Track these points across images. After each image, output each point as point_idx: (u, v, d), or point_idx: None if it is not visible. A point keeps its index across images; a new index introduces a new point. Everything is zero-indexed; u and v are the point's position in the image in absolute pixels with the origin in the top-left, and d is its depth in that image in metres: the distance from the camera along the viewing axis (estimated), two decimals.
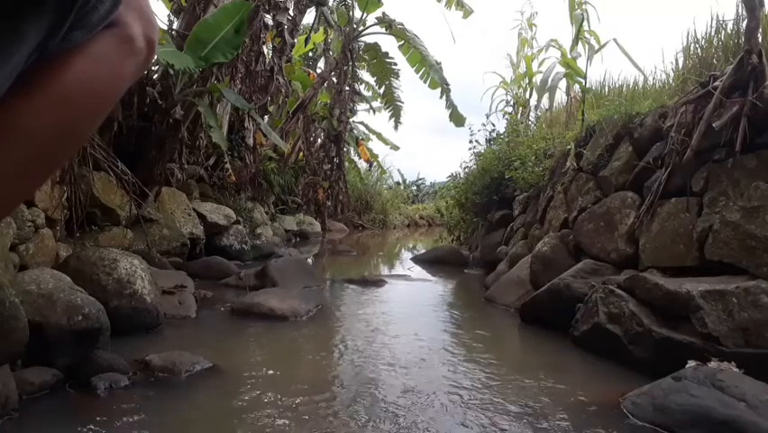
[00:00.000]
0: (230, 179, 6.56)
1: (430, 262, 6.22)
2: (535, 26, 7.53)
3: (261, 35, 5.65)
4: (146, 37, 0.55)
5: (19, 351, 1.68)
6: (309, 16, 8.70)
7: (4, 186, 0.47)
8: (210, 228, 5.35)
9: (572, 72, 5.11)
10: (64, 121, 0.49)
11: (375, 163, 14.81)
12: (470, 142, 7.04)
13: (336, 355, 2.35)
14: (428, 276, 5.29)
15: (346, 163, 11.56)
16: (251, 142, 6.83)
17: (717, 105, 2.39)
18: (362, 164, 14.49)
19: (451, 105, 9.44)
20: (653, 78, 4.00)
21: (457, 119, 9.49)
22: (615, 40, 4.57)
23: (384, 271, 5.89)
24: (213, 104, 5.30)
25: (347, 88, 9.56)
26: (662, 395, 1.62)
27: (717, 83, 2.46)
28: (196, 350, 2.11)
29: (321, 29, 9.46)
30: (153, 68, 4.57)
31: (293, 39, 6.61)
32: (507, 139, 6.12)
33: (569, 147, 3.88)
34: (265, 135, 7.36)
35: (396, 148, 14.76)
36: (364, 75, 11.13)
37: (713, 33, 3.22)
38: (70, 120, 0.50)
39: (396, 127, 11.08)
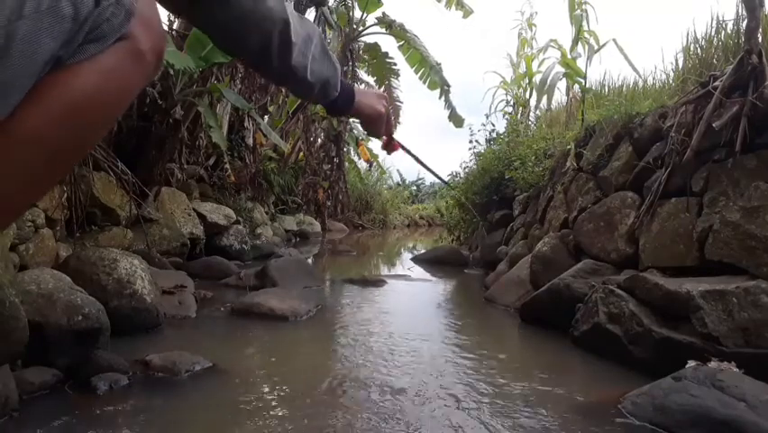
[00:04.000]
0: (230, 179, 6.56)
1: (430, 262, 6.22)
2: (535, 26, 7.52)
3: None
4: (155, 50, 0.55)
5: (19, 351, 1.68)
6: (309, 16, 8.70)
7: (16, 189, 0.48)
8: (210, 228, 5.36)
9: (572, 72, 5.10)
10: (74, 129, 0.50)
11: (375, 163, 14.81)
12: (470, 142, 7.05)
13: (336, 355, 2.35)
14: (428, 276, 5.29)
15: (346, 163, 11.57)
16: (251, 142, 6.83)
17: (717, 105, 2.39)
18: (362, 164, 14.50)
19: (450, 106, 9.44)
20: (653, 78, 4.00)
21: (456, 120, 9.49)
22: (614, 40, 4.57)
23: (384, 271, 5.89)
24: (213, 104, 5.30)
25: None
26: (662, 395, 1.62)
27: (717, 83, 2.46)
28: (196, 350, 2.11)
29: (320, 29, 9.46)
30: None
31: None
32: (507, 139, 6.12)
33: (569, 147, 3.88)
34: (265, 135, 7.36)
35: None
36: (364, 75, 11.13)
37: (713, 33, 3.22)
38: (80, 129, 0.50)
39: (395, 127, 11.08)
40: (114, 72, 0.51)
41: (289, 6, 0.78)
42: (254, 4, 0.70)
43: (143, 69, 0.55)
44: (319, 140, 10.77)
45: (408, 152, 1.24)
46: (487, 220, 5.91)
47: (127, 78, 0.53)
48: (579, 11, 5.04)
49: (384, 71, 9.95)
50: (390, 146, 1.17)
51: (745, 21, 2.52)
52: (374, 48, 9.61)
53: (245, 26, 0.71)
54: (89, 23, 0.47)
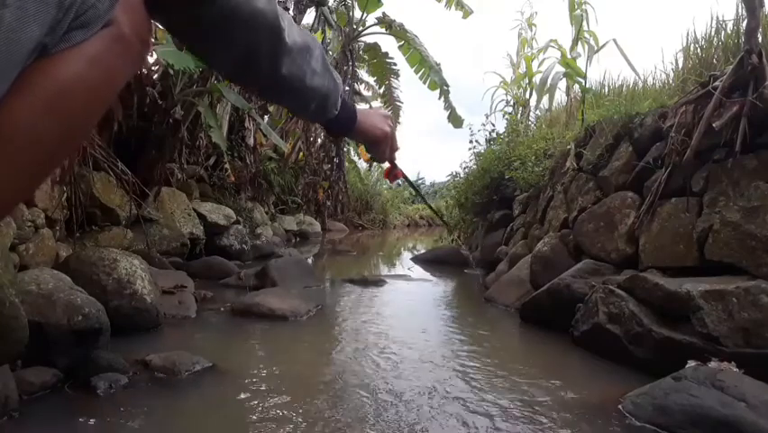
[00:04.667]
0: (230, 179, 6.56)
1: (430, 261, 6.22)
2: (535, 26, 7.52)
3: None
4: (140, 36, 0.55)
5: (19, 351, 1.68)
6: (309, 16, 8.71)
7: (5, 185, 0.48)
8: (210, 228, 5.36)
9: (572, 72, 5.10)
10: (62, 118, 0.49)
11: (375, 163, 14.79)
12: (470, 142, 7.04)
13: (336, 355, 2.35)
14: (428, 276, 5.29)
15: (346, 163, 11.57)
16: (251, 142, 6.83)
17: (717, 106, 2.39)
18: (362, 164, 14.49)
19: (449, 106, 9.45)
20: (653, 78, 4.00)
21: (455, 120, 9.50)
22: (614, 40, 4.56)
23: (384, 270, 5.89)
24: (213, 104, 5.30)
25: (347, 88, 9.56)
26: (663, 395, 1.62)
27: (717, 83, 2.46)
28: (196, 350, 2.11)
29: (320, 29, 9.47)
30: (153, 67, 4.57)
31: None
32: (507, 139, 6.12)
33: (569, 147, 3.88)
34: (265, 135, 7.37)
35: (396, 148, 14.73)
36: (364, 75, 11.14)
37: (713, 34, 3.22)
38: (68, 117, 0.50)
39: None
40: (100, 59, 0.50)
41: (286, 14, 0.74)
42: (242, 1, 0.65)
43: (130, 56, 0.54)
44: (319, 140, 10.76)
45: (410, 182, 1.24)
46: (487, 220, 5.91)
47: (113, 64, 0.53)
48: (579, 11, 5.03)
49: (384, 71, 9.95)
50: (393, 174, 1.14)
51: (745, 21, 2.52)
52: (374, 48, 9.61)
53: (231, 26, 0.66)
54: (74, 10, 0.46)
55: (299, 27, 0.76)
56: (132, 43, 0.54)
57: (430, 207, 1.51)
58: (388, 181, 1.22)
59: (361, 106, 1.05)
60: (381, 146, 1.02)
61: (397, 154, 1.09)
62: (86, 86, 0.50)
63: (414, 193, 22.00)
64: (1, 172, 0.47)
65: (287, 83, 0.76)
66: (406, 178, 1.19)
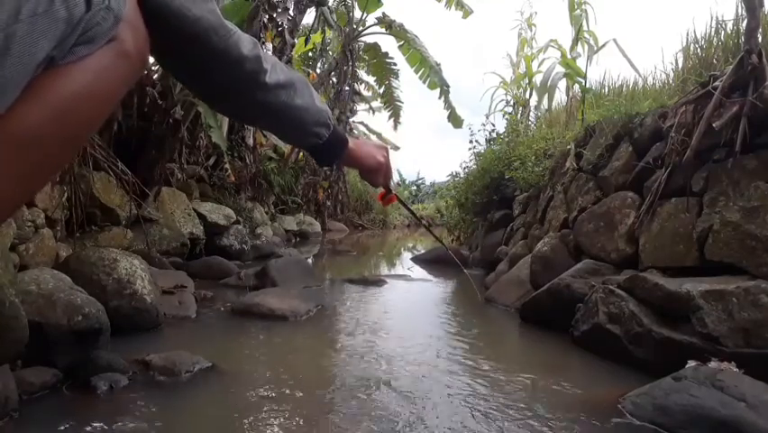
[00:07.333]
0: (230, 179, 6.56)
1: (430, 262, 6.22)
2: (535, 26, 7.53)
3: (261, 35, 5.65)
4: (140, 51, 0.60)
5: (19, 351, 1.68)
6: (309, 16, 8.71)
7: (10, 187, 0.49)
8: (210, 228, 5.36)
9: (572, 72, 5.10)
10: (65, 128, 0.52)
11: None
12: (470, 142, 7.05)
13: (336, 355, 2.35)
14: (428, 276, 5.29)
15: None
16: (251, 142, 6.84)
17: (717, 105, 2.39)
18: None
19: (449, 106, 9.46)
20: (653, 78, 4.00)
21: (455, 120, 9.52)
22: (614, 40, 4.57)
23: (384, 270, 5.89)
24: None
25: (347, 88, 9.56)
26: (663, 395, 1.62)
27: (717, 83, 2.46)
28: (196, 350, 2.11)
29: (320, 29, 9.47)
30: (153, 68, 4.57)
31: (293, 39, 6.61)
32: (507, 139, 6.12)
33: (569, 147, 3.88)
34: (265, 135, 7.37)
35: (396, 148, 14.77)
36: (364, 75, 11.13)
37: (713, 34, 3.22)
38: (70, 127, 0.53)
39: (395, 127, 11.12)
40: (104, 72, 0.54)
41: (270, 56, 0.80)
42: (232, 45, 0.72)
43: (130, 69, 0.59)
44: None
45: (405, 206, 1.31)
46: (487, 220, 5.92)
47: (116, 77, 0.57)
48: (578, 11, 5.04)
49: (384, 71, 9.95)
50: (387, 199, 1.18)
51: (745, 21, 2.52)
52: (374, 48, 9.61)
53: (216, 65, 0.73)
54: (81, 26, 0.50)
55: (284, 66, 0.84)
56: (133, 58, 0.58)
57: (428, 230, 1.54)
58: (382, 204, 1.25)
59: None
60: (376, 175, 1.07)
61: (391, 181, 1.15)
62: (90, 96, 0.54)
63: (413, 194, 22.02)
64: (6, 174, 0.49)
65: (261, 113, 0.84)
66: (401, 201, 1.23)
